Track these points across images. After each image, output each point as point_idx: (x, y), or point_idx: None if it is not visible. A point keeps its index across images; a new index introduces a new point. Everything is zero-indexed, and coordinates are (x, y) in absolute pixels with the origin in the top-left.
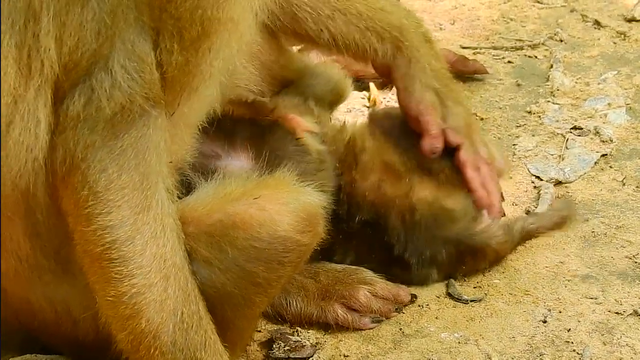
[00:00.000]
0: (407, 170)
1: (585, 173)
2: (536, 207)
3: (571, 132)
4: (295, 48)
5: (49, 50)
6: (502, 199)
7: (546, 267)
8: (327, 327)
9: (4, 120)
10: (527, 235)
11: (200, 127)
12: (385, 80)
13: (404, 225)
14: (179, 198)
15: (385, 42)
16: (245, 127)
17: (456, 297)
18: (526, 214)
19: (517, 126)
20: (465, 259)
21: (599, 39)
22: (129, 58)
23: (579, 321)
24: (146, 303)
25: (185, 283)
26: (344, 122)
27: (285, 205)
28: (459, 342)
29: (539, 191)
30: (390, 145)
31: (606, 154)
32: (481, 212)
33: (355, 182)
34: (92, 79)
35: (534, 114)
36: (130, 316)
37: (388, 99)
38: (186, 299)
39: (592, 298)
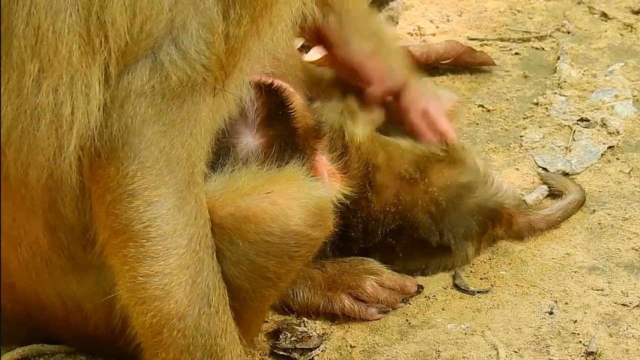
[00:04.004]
0: (420, 167)
1: (592, 165)
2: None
3: (578, 124)
4: None
5: (115, 23)
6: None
7: (552, 258)
8: (333, 317)
9: (53, 101)
10: (548, 222)
11: (230, 113)
12: (318, 44)
13: (433, 218)
14: None
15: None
16: (284, 126)
17: (463, 288)
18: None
19: (524, 118)
20: (487, 225)
21: (606, 31)
22: (201, 28)
23: (585, 313)
24: (178, 284)
25: (217, 267)
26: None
27: (296, 200)
28: (466, 334)
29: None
30: (396, 146)
31: (613, 146)
32: (489, 173)
33: (370, 203)
34: (161, 51)
35: (541, 105)
36: (159, 297)
37: None
38: (216, 284)
39: (598, 290)
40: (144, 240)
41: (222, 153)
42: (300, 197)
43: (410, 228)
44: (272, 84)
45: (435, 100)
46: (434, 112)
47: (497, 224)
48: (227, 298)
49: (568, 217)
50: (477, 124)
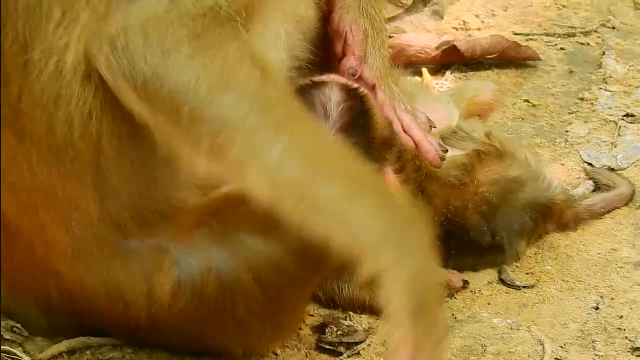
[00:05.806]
0: (468, 170)
1: (638, 160)
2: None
3: (623, 119)
4: None
5: None
6: (445, 149)
7: (598, 254)
8: (379, 311)
9: (82, 47)
10: (590, 212)
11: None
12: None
13: (485, 217)
14: None
15: None
16: (363, 136)
17: (508, 283)
18: None
19: (570, 113)
20: (539, 221)
21: None
22: None
23: (631, 308)
24: None
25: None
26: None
27: None
28: (511, 328)
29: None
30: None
31: None
32: (541, 168)
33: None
34: None
35: (586, 100)
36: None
37: (441, 85)
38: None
39: None
40: None
41: None
42: None
43: (460, 231)
44: (357, 88)
45: (409, 110)
46: (407, 121)
47: (549, 219)
48: None
49: (612, 209)
50: (523, 118)
